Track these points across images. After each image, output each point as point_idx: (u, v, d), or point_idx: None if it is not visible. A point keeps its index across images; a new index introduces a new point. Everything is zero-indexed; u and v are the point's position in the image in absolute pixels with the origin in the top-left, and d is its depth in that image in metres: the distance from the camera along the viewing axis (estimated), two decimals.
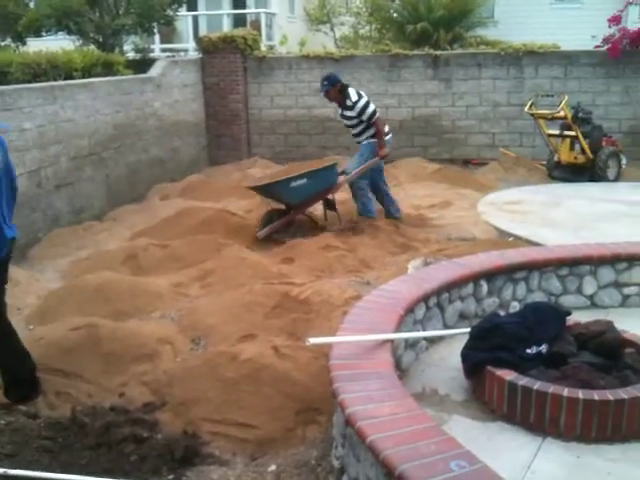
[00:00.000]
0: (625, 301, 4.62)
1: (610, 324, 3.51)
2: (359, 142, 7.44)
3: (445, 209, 8.25)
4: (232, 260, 5.81)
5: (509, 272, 4.36)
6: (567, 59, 11.37)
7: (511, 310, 4.23)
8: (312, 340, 3.22)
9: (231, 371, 3.67)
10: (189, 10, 16.43)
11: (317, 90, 11.84)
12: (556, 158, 10.00)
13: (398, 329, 3.51)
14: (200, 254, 6.07)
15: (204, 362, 3.86)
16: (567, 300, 4.53)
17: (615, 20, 11.61)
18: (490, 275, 4.28)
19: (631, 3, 12.91)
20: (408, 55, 11.79)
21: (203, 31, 15.72)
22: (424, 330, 3.93)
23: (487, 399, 3.29)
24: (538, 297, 4.43)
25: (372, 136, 7.29)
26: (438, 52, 11.92)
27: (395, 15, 14.94)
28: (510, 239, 6.73)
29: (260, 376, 3.61)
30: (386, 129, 7.44)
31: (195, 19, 16.99)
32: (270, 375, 3.61)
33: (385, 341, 3.29)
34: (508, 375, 3.16)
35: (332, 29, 17.22)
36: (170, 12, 12.68)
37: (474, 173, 10.61)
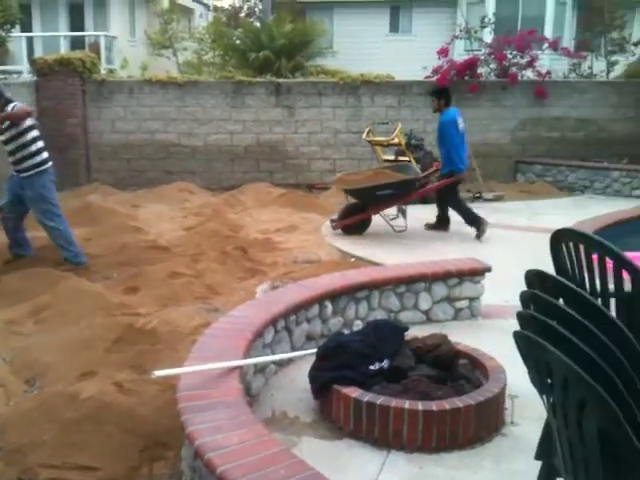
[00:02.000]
0: (457, 314, 4.94)
1: (445, 337, 3.73)
2: None
3: (291, 233, 8.39)
4: (69, 293, 5.50)
5: (352, 292, 4.50)
6: (401, 89, 12.08)
7: (354, 328, 4.37)
8: (157, 373, 3.12)
9: (70, 412, 3.46)
10: (23, 31, 15.61)
11: (161, 114, 11.66)
12: None
13: (247, 354, 3.50)
14: (34, 288, 5.69)
15: (39, 404, 3.60)
16: (405, 316, 4.77)
17: (443, 52, 12.53)
18: (334, 295, 4.40)
19: (457, 37, 14.02)
20: (251, 82, 11.95)
21: (39, 53, 14.97)
22: (274, 353, 3.95)
23: (335, 418, 3.36)
24: (379, 315, 4.62)
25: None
26: (280, 80, 12.20)
27: (238, 42, 15.10)
28: (352, 260, 6.97)
29: (102, 415, 3.43)
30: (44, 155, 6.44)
31: (30, 40, 16.15)
32: (113, 413, 3.45)
33: (233, 368, 3.26)
34: (353, 392, 3.26)
35: (175, 54, 17.06)
36: (1, 33, 11.97)
37: (318, 197, 10.89)
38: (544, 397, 2.09)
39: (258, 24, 17.40)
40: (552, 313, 1.93)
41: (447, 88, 8.76)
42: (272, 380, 3.91)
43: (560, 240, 2.37)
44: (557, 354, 1.83)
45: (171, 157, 11.80)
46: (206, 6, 26.42)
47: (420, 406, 3.16)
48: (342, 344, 3.49)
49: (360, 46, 17.33)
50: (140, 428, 3.40)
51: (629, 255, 6.71)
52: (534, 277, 2.09)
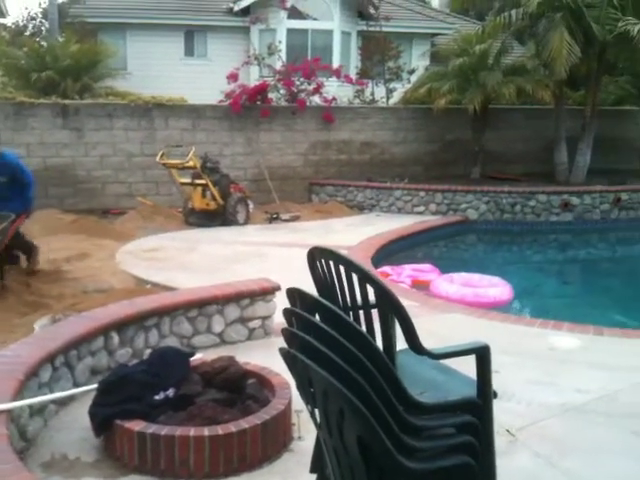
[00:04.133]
0: (251, 334, 5.00)
1: (232, 359, 3.75)
2: None
3: (82, 261, 7.97)
4: None
5: (140, 320, 4.37)
6: (195, 112, 12.07)
7: (145, 358, 4.24)
8: None
9: None
10: None
11: None
12: (190, 205, 10.47)
13: (18, 396, 3.24)
14: None
15: None
16: (199, 340, 4.73)
17: (233, 77, 12.74)
18: (121, 325, 4.24)
19: (247, 63, 14.33)
20: (34, 104, 11.24)
21: None
22: (52, 392, 3.69)
23: (119, 454, 3.22)
24: (171, 342, 4.52)
25: None
26: (67, 101, 11.61)
27: (22, 62, 14.14)
28: (148, 286, 6.78)
29: None
30: None
31: None
32: None
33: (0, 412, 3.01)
34: (136, 426, 3.15)
35: None
36: None
37: (113, 223, 10.49)
38: (309, 407, 2.18)
39: (44, 44, 16.41)
40: (310, 329, 2.03)
41: None
42: (52, 421, 3.65)
43: (315, 258, 2.50)
44: (315, 368, 1.92)
45: None
46: None
47: (206, 432, 3.13)
48: (125, 376, 3.36)
49: (156, 68, 17.01)
50: None
51: (411, 266, 7.20)
52: (295, 295, 2.18)
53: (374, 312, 2.42)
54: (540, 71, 13.04)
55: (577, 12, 11.74)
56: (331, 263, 2.40)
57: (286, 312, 2.23)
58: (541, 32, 12.77)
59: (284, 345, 2.15)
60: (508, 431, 3.57)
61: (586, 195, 11.79)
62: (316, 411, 2.17)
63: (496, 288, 7.39)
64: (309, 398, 2.18)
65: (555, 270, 10.67)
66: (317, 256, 2.47)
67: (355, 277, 2.33)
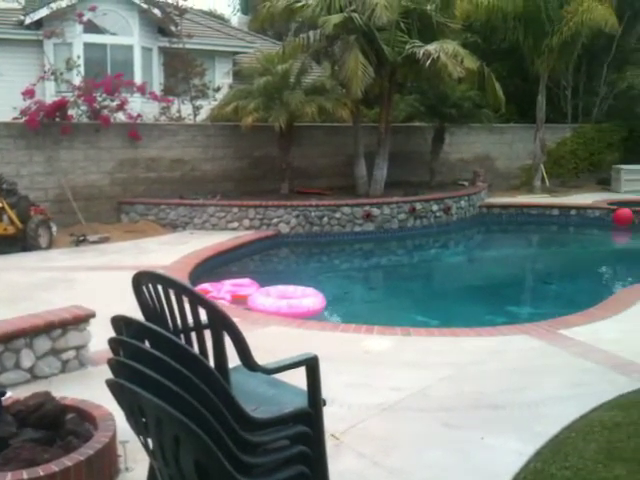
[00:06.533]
0: (65, 366, 4.73)
1: (48, 394, 3.52)
2: None
3: None
4: None
5: None
6: None
7: None
8: None
9: None
10: None
11: None
12: None
13: None
14: None
15: None
16: (7, 377, 4.38)
17: (29, 93, 11.94)
18: None
19: (43, 78, 13.50)
20: None
21: None
22: None
23: None
24: None
25: None
26: None
27: None
28: None
29: None
30: None
31: None
32: None
33: None
34: None
35: None
36: None
37: None
38: (141, 438, 2.14)
39: None
40: (140, 357, 2.00)
41: None
42: None
43: (141, 282, 2.46)
44: (147, 397, 1.89)
45: None
46: None
47: (25, 475, 2.92)
48: None
49: None
50: None
51: (230, 282, 7.24)
52: (120, 322, 2.13)
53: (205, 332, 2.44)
54: (338, 90, 13.76)
55: (369, 35, 12.59)
56: (159, 287, 2.37)
57: (112, 341, 2.17)
58: (337, 53, 13.53)
59: (102, 375, 2.09)
60: (333, 435, 3.74)
61: (385, 206, 12.65)
62: (149, 441, 2.13)
63: (309, 298, 7.66)
64: (141, 428, 2.14)
65: (362, 277, 11.31)
66: (143, 281, 2.43)
67: (186, 299, 2.33)
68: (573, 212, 14.89)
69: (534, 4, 15.55)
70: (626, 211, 14.05)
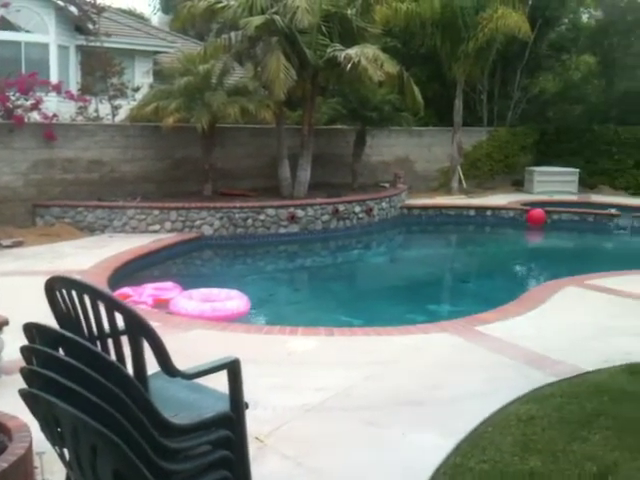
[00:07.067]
0: None
1: None
2: None
3: None
4: None
5: None
6: None
7: None
8: None
9: None
10: None
11: None
12: None
13: None
14: None
15: None
16: None
17: None
18: None
19: None
20: None
21: None
22: None
23: None
24: None
25: None
26: None
27: None
28: None
29: None
30: None
31: None
32: None
33: None
34: None
35: None
36: None
37: None
38: (57, 449, 2.08)
39: None
40: (54, 365, 1.94)
41: None
42: None
43: (54, 288, 2.38)
44: (62, 406, 1.84)
45: None
46: None
47: None
48: None
49: None
50: None
51: (152, 285, 7.11)
52: (33, 330, 2.06)
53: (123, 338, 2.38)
54: (261, 92, 13.73)
55: (291, 37, 12.63)
56: (73, 292, 2.30)
57: (24, 350, 2.10)
58: (260, 55, 13.49)
59: (16, 385, 2.02)
60: (257, 438, 3.73)
61: (309, 207, 12.71)
62: (65, 451, 2.07)
63: (233, 301, 7.62)
64: (56, 439, 2.07)
65: (287, 279, 11.33)
66: (57, 286, 2.35)
67: (102, 305, 2.27)
68: (489, 213, 15.42)
69: (451, 11, 15.99)
70: (539, 211, 14.67)
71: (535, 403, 4.31)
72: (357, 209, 13.43)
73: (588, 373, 4.92)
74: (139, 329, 2.11)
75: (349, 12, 13.39)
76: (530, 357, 5.34)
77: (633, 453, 3.56)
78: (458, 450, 3.67)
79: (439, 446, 3.72)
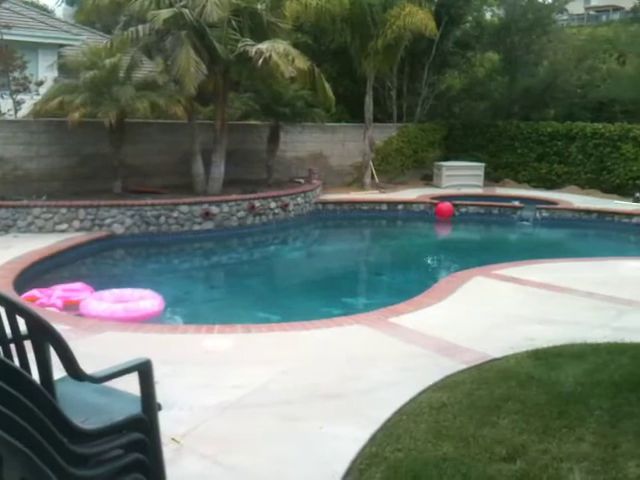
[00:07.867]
0: None
1: None
2: None
3: None
4: None
5: None
6: None
7: None
8: None
9: None
10: None
11: None
12: None
13: None
14: None
15: None
16: None
17: None
18: None
19: None
20: None
21: None
22: None
23: None
24: None
25: None
26: None
27: None
28: None
29: None
30: None
31: None
32: None
33: None
34: None
35: None
36: None
37: None
38: None
39: None
40: None
41: None
42: None
43: None
44: None
45: None
46: None
47: None
48: None
49: None
50: None
51: (62, 287, 6.85)
52: None
53: (26, 343, 2.29)
54: (171, 87, 13.46)
55: (201, 31, 12.43)
56: None
57: None
58: (169, 48, 13.20)
59: None
60: (173, 439, 3.68)
61: (224, 204, 12.59)
62: None
63: (146, 301, 7.46)
64: None
65: (202, 276, 11.19)
66: None
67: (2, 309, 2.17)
68: (400, 207, 15.77)
69: (360, 7, 16.19)
70: (447, 205, 15.13)
71: (446, 390, 4.45)
72: (273, 205, 13.42)
73: (496, 360, 5.13)
74: (42, 333, 2.03)
75: (259, 7, 13.33)
76: (441, 346, 5.51)
77: (540, 435, 3.74)
78: (373, 440, 3.75)
79: (356, 437, 3.78)
